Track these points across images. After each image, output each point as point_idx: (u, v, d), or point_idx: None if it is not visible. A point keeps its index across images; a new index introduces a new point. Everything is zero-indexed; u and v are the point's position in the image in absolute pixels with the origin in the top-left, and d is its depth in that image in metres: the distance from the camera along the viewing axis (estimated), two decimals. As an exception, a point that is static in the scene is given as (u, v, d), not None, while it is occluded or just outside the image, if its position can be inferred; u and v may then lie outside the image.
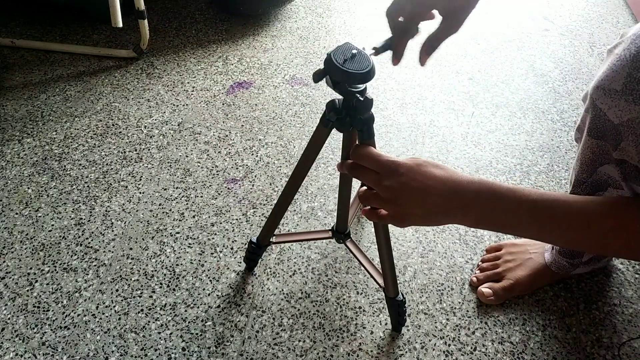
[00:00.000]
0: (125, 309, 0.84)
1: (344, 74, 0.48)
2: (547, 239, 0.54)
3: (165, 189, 1.04)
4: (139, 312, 0.84)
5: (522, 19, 1.67)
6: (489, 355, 0.81)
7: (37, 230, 0.95)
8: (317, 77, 0.49)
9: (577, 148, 0.72)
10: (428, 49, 0.56)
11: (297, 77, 1.36)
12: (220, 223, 0.98)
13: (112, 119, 1.20)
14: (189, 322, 0.83)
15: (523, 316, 0.86)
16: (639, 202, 0.51)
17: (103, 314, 0.83)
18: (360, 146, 0.54)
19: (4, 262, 0.90)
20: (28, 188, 1.03)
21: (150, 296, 0.86)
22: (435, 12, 0.53)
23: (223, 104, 1.26)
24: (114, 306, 0.84)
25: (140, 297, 0.86)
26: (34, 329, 0.81)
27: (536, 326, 0.85)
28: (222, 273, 0.90)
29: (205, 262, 0.91)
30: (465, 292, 0.89)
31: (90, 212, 0.99)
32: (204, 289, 0.87)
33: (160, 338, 0.80)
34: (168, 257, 0.92)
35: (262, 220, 0.99)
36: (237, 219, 0.99)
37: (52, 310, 0.83)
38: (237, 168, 1.09)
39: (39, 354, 0.78)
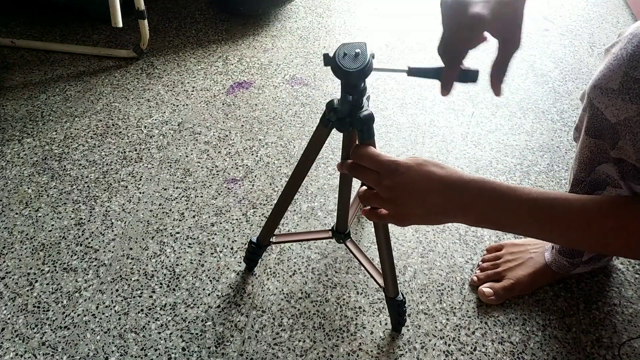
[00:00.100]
0: (125, 309, 0.84)
1: (336, 65, 0.49)
2: (547, 238, 0.54)
3: (165, 189, 1.04)
4: (139, 312, 0.83)
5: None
6: (489, 355, 0.81)
7: (37, 230, 0.95)
8: (325, 59, 0.50)
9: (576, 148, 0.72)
10: (498, 75, 0.51)
11: (297, 77, 1.36)
12: (220, 223, 0.98)
13: (112, 119, 1.20)
14: (189, 322, 0.83)
15: (523, 316, 0.86)
16: (638, 201, 0.51)
17: (103, 314, 0.83)
18: (360, 146, 0.54)
19: (4, 262, 0.90)
20: (28, 188, 1.03)
21: (150, 296, 0.86)
22: (486, 34, 0.49)
23: (223, 104, 1.26)
24: (114, 306, 0.84)
25: (140, 297, 0.86)
26: (34, 329, 0.81)
27: (536, 326, 0.85)
28: (222, 273, 0.90)
29: (205, 262, 0.91)
30: (465, 292, 0.89)
31: (90, 212, 0.99)
32: (204, 289, 0.87)
33: (160, 338, 0.80)
34: (168, 257, 0.92)
35: (262, 220, 0.99)
36: (237, 219, 0.99)
37: (52, 310, 0.83)
38: (237, 168, 1.09)
39: (39, 354, 0.78)
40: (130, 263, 0.90)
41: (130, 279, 0.88)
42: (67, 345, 0.79)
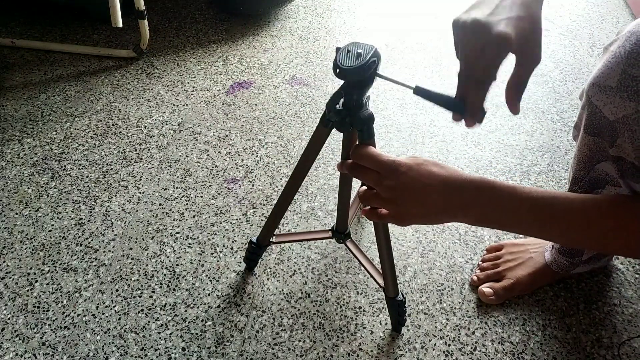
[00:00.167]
0: (125, 309, 0.84)
1: (335, 59, 0.49)
2: (547, 238, 0.54)
3: (165, 189, 1.04)
4: (139, 312, 0.83)
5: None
6: (489, 355, 0.81)
7: (37, 230, 0.95)
8: (337, 52, 0.50)
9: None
10: (516, 92, 0.47)
11: (297, 77, 1.36)
12: (220, 223, 0.98)
13: (112, 119, 1.20)
14: (189, 322, 0.83)
15: (523, 316, 0.86)
16: (638, 201, 0.51)
17: (103, 314, 0.83)
18: (360, 146, 0.54)
19: (4, 262, 0.90)
20: (28, 188, 1.03)
21: (150, 296, 0.86)
22: None
23: (223, 104, 1.26)
24: (114, 306, 0.84)
25: (140, 297, 0.86)
26: (34, 329, 0.81)
27: (536, 326, 0.85)
28: (222, 273, 0.90)
29: (205, 262, 0.91)
30: (465, 292, 0.89)
31: (90, 212, 0.99)
32: (204, 289, 0.87)
33: (160, 338, 0.80)
34: (168, 257, 0.92)
35: (262, 220, 0.99)
36: (237, 219, 0.99)
37: (52, 310, 0.83)
38: (237, 168, 1.09)
39: (39, 354, 0.78)
40: (130, 263, 0.90)
41: (130, 279, 0.88)
42: (67, 345, 0.79)
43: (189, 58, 1.41)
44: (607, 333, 0.84)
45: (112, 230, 0.96)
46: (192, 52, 1.43)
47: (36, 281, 0.87)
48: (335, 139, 1.16)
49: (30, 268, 0.89)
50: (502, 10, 0.45)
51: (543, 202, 0.50)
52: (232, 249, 0.94)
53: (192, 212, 1.00)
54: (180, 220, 0.98)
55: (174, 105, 1.25)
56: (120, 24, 1.16)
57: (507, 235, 0.99)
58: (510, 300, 0.88)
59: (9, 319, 0.82)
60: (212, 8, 1.63)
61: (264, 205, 1.02)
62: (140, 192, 1.03)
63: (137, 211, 0.99)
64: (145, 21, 1.30)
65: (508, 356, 0.81)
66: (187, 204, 1.01)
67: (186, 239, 0.95)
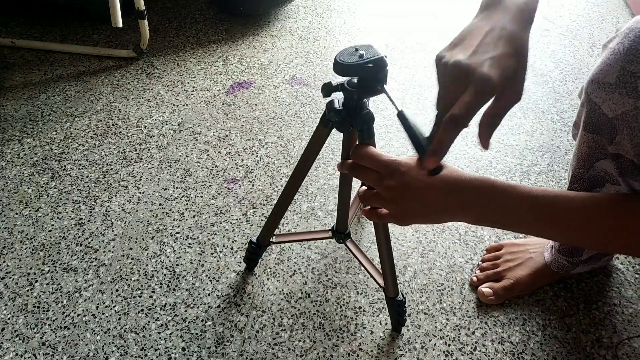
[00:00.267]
0: (125, 309, 0.84)
1: (339, 53, 0.49)
2: (548, 237, 0.54)
3: (165, 189, 1.04)
4: (139, 312, 0.83)
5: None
6: (489, 355, 0.81)
7: (37, 230, 0.95)
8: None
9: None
10: (490, 127, 0.44)
11: (297, 77, 1.36)
12: (220, 223, 0.98)
13: (112, 119, 1.20)
14: (189, 322, 0.83)
15: (523, 316, 0.86)
16: (637, 200, 0.51)
17: (103, 314, 0.83)
18: (360, 146, 0.54)
19: (4, 262, 0.90)
20: (28, 188, 1.03)
21: (150, 296, 0.86)
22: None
23: (223, 104, 1.26)
24: (114, 306, 0.84)
25: (140, 297, 0.86)
26: (34, 329, 0.81)
27: (536, 326, 0.85)
28: (222, 273, 0.90)
29: (205, 262, 0.91)
30: (465, 292, 0.89)
31: (90, 212, 0.99)
32: (204, 289, 0.87)
33: (160, 338, 0.80)
34: (168, 257, 0.92)
35: (262, 220, 0.99)
36: (237, 219, 0.99)
37: (52, 310, 0.83)
38: (237, 168, 1.09)
39: (39, 354, 0.78)
40: (130, 263, 0.90)
41: (130, 279, 0.88)
42: (67, 345, 0.79)
43: (189, 58, 1.41)
44: (607, 333, 0.84)
45: (112, 230, 0.96)
46: (192, 52, 1.43)
47: (36, 281, 0.87)
48: (335, 139, 1.16)
49: (30, 268, 0.89)
50: (486, 48, 0.42)
51: (543, 201, 0.50)
52: (232, 249, 0.94)
53: (192, 212, 1.00)
54: (180, 220, 0.98)
55: (174, 105, 1.25)
56: (120, 24, 1.16)
57: (507, 236, 0.99)
58: (510, 300, 0.88)
59: (9, 319, 0.82)
60: (212, 8, 1.63)
61: (264, 205, 1.02)
62: (140, 192, 1.03)
63: (137, 211, 0.99)
64: (145, 21, 1.30)
65: (508, 356, 0.81)
66: (187, 204, 1.01)
67: (186, 239, 0.95)
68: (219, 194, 1.03)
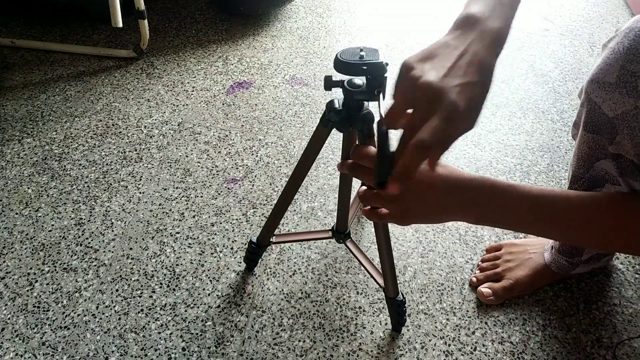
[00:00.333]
0: (125, 309, 0.84)
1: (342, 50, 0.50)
2: (548, 236, 0.54)
3: (165, 189, 1.04)
4: (139, 312, 0.83)
5: (522, 19, 1.67)
6: (489, 355, 0.81)
7: (37, 230, 0.95)
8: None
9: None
10: (440, 151, 0.44)
11: (297, 77, 1.36)
12: (220, 223, 0.98)
13: (112, 119, 1.20)
14: (189, 322, 0.83)
15: (523, 316, 0.86)
16: (637, 199, 0.51)
17: (103, 314, 0.83)
18: (360, 146, 0.54)
19: (4, 262, 0.90)
20: (28, 188, 1.03)
21: (150, 296, 0.86)
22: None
23: (223, 104, 1.26)
24: (114, 306, 0.84)
25: (140, 297, 0.86)
26: (34, 329, 0.81)
27: (536, 326, 0.85)
28: (222, 273, 0.90)
29: (205, 262, 0.91)
30: (465, 292, 0.89)
31: (90, 212, 0.99)
32: (204, 289, 0.87)
33: (160, 338, 0.80)
34: (168, 257, 0.92)
35: (262, 220, 0.99)
36: (237, 219, 0.99)
37: (52, 310, 0.83)
38: (237, 168, 1.09)
39: (39, 354, 0.78)
40: (130, 263, 0.90)
41: (130, 279, 0.88)
42: (67, 345, 0.79)
43: (189, 58, 1.41)
44: (607, 333, 0.84)
45: (112, 230, 0.96)
46: (192, 52, 1.43)
47: (36, 281, 0.87)
48: (335, 139, 1.16)
49: (30, 268, 0.89)
50: (458, 72, 0.41)
51: (543, 201, 0.50)
52: (232, 249, 0.94)
53: (192, 212, 1.00)
54: (180, 220, 0.98)
55: (174, 105, 1.25)
56: (120, 24, 1.16)
57: (507, 236, 0.99)
58: (510, 300, 0.88)
59: (9, 319, 0.82)
60: (212, 8, 1.63)
61: (264, 205, 1.02)
62: (140, 192, 1.03)
63: (137, 211, 0.99)
64: (145, 21, 1.30)
65: (508, 356, 0.81)
66: (187, 204, 1.01)
67: (186, 239, 0.95)
68: (219, 194, 1.03)
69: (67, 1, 1.49)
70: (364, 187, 0.56)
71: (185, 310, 0.84)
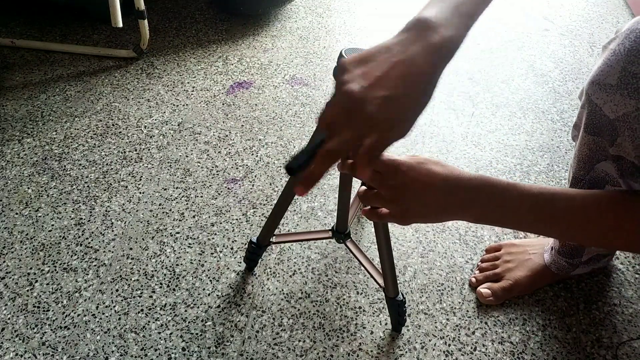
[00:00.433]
0: (125, 309, 0.84)
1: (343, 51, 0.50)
2: (548, 235, 0.54)
3: (165, 189, 1.04)
4: (139, 312, 0.83)
5: (522, 19, 1.67)
6: (489, 355, 0.81)
7: (37, 230, 0.95)
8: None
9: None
10: (368, 159, 0.42)
11: (297, 77, 1.36)
12: (220, 223, 0.98)
13: (112, 119, 1.20)
14: (189, 322, 0.83)
15: (523, 316, 0.86)
16: (637, 199, 0.51)
17: (103, 314, 0.83)
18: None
19: (4, 262, 0.90)
20: (28, 188, 1.03)
21: (150, 296, 0.86)
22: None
23: (223, 104, 1.26)
24: (114, 306, 0.84)
25: (140, 297, 0.86)
26: (34, 329, 0.81)
27: (536, 326, 0.85)
28: (222, 273, 0.90)
29: (205, 262, 0.91)
30: (465, 292, 0.89)
31: (90, 212, 0.99)
32: (204, 289, 0.87)
33: (160, 338, 0.80)
34: (168, 257, 0.92)
35: (262, 220, 0.99)
36: (237, 219, 0.99)
37: (52, 310, 0.83)
38: (237, 168, 1.09)
39: (39, 354, 0.78)
40: (130, 263, 0.90)
41: (130, 279, 0.88)
42: (67, 345, 0.79)
43: (189, 58, 1.41)
44: (607, 333, 0.84)
45: (112, 230, 0.96)
46: (192, 52, 1.43)
47: (36, 281, 0.87)
48: (335, 139, 1.16)
49: (30, 268, 0.89)
50: (386, 83, 0.39)
51: (543, 200, 0.50)
52: (232, 249, 0.94)
53: (192, 212, 1.00)
54: (180, 220, 0.98)
55: (174, 105, 1.25)
56: (120, 24, 1.16)
57: (507, 236, 0.99)
58: (510, 301, 0.88)
59: (9, 319, 0.82)
60: (212, 8, 1.63)
61: (264, 205, 1.02)
62: (140, 192, 1.03)
63: (137, 211, 0.99)
64: (145, 21, 1.30)
65: (508, 356, 0.81)
66: (187, 204, 1.01)
67: (186, 239, 0.95)
68: (219, 194, 1.03)
69: (67, 1, 1.49)
70: (364, 187, 0.56)
71: (185, 310, 0.84)
